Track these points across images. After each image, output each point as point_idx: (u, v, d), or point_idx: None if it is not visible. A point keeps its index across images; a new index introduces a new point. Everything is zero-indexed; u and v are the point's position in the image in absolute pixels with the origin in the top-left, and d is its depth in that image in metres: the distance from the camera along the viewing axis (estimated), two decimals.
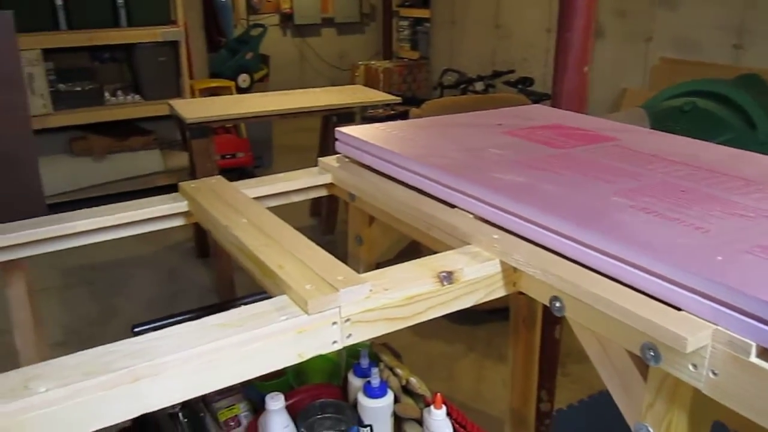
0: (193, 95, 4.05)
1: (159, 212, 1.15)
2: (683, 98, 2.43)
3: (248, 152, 4.10)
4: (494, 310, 2.54)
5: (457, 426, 1.06)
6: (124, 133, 3.97)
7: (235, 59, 4.56)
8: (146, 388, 0.68)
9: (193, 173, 2.99)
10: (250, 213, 1.03)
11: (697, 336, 0.68)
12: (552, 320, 1.66)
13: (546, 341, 1.65)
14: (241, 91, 4.47)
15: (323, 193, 1.31)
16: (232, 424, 1.06)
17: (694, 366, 0.69)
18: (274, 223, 0.99)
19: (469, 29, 5.28)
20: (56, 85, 3.79)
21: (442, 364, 2.39)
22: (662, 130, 1.36)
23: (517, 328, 1.45)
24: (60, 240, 1.11)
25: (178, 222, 1.19)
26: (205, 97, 3.97)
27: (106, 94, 3.96)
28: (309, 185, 1.27)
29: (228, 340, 0.72)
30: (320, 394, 1.08)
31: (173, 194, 1.19)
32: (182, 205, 1.15)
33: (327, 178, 1.28)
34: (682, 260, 0.74)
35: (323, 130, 3.37)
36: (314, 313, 0.77)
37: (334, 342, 0.79)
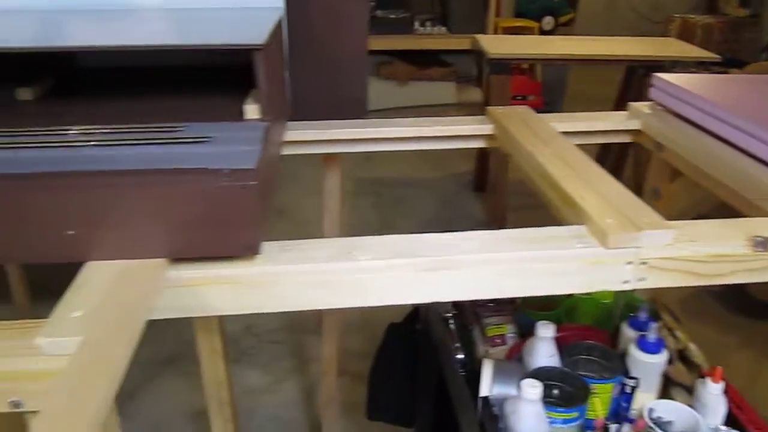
0: (495, 32, 4.09)
1: (465, 131, 1.21)
2: None
3: (540, 96, 4.05)
4: None
5: (733, 406, 0.99)
6: (425, 62, 4.18)
7: (543, 0, 4.47)
8: (443, 278, 0.74)
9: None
10: (555, 144, 1.04)
11: None
12: None
13: None
14: (543, 33, 4.39)
15: (627, 139, 1.26)
16: (498, 341, 1.11)
17: None
18: (578, 157, 0.99)
19: None
20: (375, 11, 4.09)
21: (711, 352, 2.19)
22: None
23: None
24: (376, 142, 1.23)
25: (479, 144, 1.24)
26: (507, 35, 3.98)
27: (416, 24, 4.17)
28: (616, 128, 1.23)
29: (523, 253, 0.75)
30: (588, 336, 1.07)
31: (480, 117, 1.24)
32: (487, 128, 1.19)
33: (635, 124, 1.22)
34: None
35: (625, 83, 3.18)
36: (612, 248, 0.76)
37: (625, 282, 0.78)
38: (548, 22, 4.49)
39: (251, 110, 0.83)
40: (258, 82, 0.81)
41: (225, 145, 0.73)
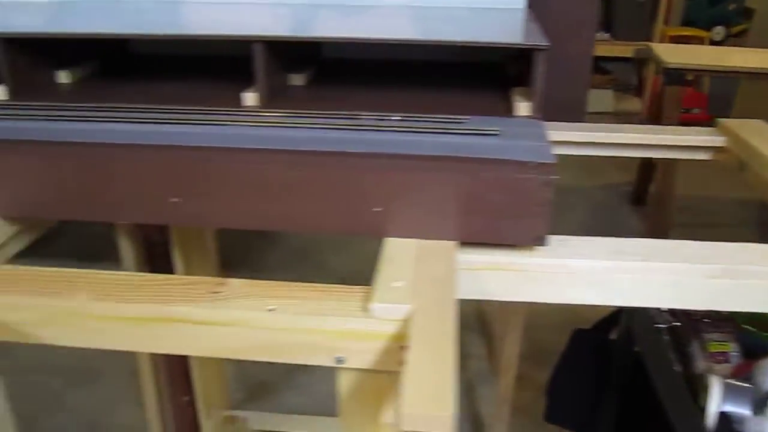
0: (662, 41, 3.94)
1: (693, 142, 1.18)
2: None
3: (705, 110, 3.86)
4: None
5: None
6: None
7: (715, 9, 4.25)
8: (722, 286, 0.74)
9: (654, 120, 2.96)
10: None
11: None
12: None
13: None
14: (712, 43, 4.18)
15: None
16: (720, 357, 1.08)
17: None
18: None
19: None
20: None
21: None
22: None
23: None
24: (596, 146, 1.22)
25: (704, 156, 1.21)
26: (680, 44, 3.82)
27: None
28: None
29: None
30: None
31: (709, 128, 1.21)
32: (718, 140, 1.16)
33: None
34: None
35: None
36: None
37: None
38: (718, 32, 4.27)
39: (524, 107, 0.86)
40: (535, 81, 0.84)
41: (514, 139, 0.77)
